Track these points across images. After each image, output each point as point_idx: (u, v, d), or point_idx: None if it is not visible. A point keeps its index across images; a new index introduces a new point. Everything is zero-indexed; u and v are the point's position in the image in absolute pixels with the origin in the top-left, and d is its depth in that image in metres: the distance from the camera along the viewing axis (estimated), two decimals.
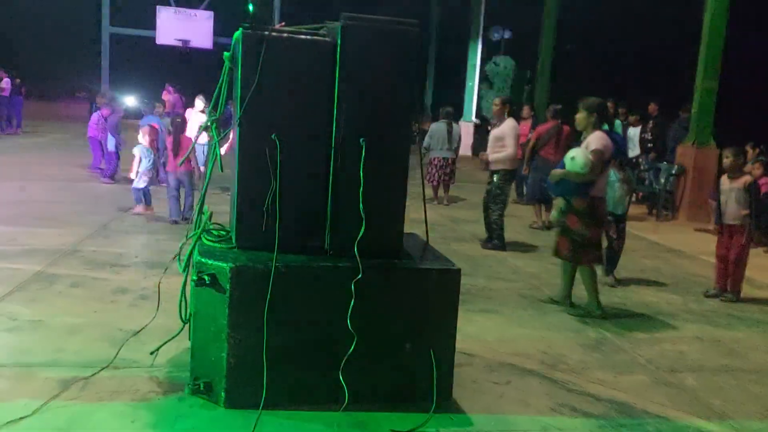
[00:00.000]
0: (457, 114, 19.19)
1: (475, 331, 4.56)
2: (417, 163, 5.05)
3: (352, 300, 3.19)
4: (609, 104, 9.25)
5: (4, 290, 4.75)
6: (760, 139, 10.84)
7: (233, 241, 3.45)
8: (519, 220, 9.05)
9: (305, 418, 3.18)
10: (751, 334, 5.01)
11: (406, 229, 3.82)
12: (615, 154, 5.12)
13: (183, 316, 3.61)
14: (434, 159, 10.48)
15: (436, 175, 10.46)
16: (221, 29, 17.58)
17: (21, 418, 2.98)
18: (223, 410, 3.19)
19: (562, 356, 4.26)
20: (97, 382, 3.40)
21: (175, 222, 7.44)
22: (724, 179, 5.93)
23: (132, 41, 20.39)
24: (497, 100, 7.53)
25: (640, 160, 11.25)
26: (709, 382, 4.01)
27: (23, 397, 3.18)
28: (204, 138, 8.92)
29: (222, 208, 4.30)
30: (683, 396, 3.79)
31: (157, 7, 17.44)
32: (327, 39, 3.44)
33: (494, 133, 7.34)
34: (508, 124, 7.33)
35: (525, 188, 10.38)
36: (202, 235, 3.58)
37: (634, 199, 11.04)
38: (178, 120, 7.96)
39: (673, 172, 10.31)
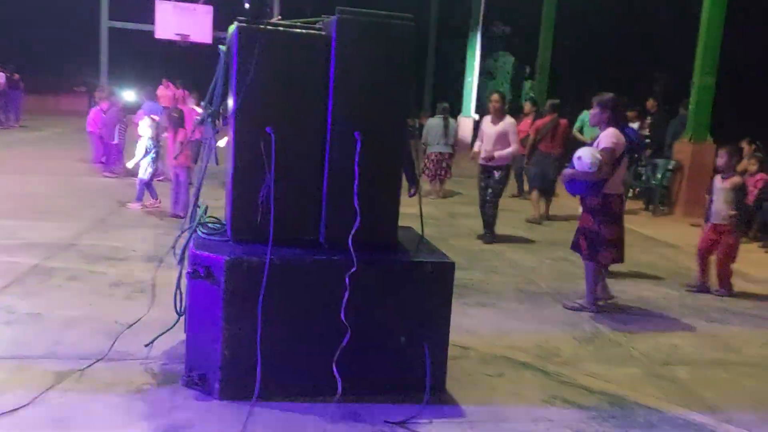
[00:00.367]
0: (457, 109, 19.24)
1: (471, 325, 4.58)
2: (415, 157, 5.08)
3: (346, 293, 3.21)
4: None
5: (2, 283, 4.77)
6: (757, 135, 10.87)
7: (228, 234, 3.47)
8: (516, 215, 9.08)
9: (299, 409, 3.20)
10: (744, 328, 5.03)
11: (404, 223, 3.85)
12: (628, 150, 5.00)
13: (178, 308, 3.64)
14: (431, 153, 10.62)
15: (433, 169, 10.56)
16: (221, 24, 17.56)
17: (16, 409, 3.01)
18: (217, 402, 3.22)
19: (556, 349, 4.29)
20: (92, 374, 3.43)
21: (177, 215, 7.45)
22: (717, 178, 5.95)
23: (131, 35, 20.35)
24: (497, 96, 7.54)
25: (636, 155, 11.23)
26: (701, 376, 4.03)
27: (19, 389, 3.20)
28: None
29: (222, 202, 4.31)
30: (675, 389, 3.82)
31: (156, 1, 17.41)
32: (322, 33, 3.45)
33: (496, 129, 7.35)
34: (509, 121, 7.43)
35: (525, 182, 10.42)
36: (197, 228, 3.60)
37: (630, 194, 11.10)
38: (176, 115, 7.95)
39: (670, 167, 10.33)
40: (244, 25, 3.31)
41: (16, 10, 21.65)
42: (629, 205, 10.55)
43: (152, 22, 17.72)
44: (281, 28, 3.40)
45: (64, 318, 4.20)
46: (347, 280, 3.22)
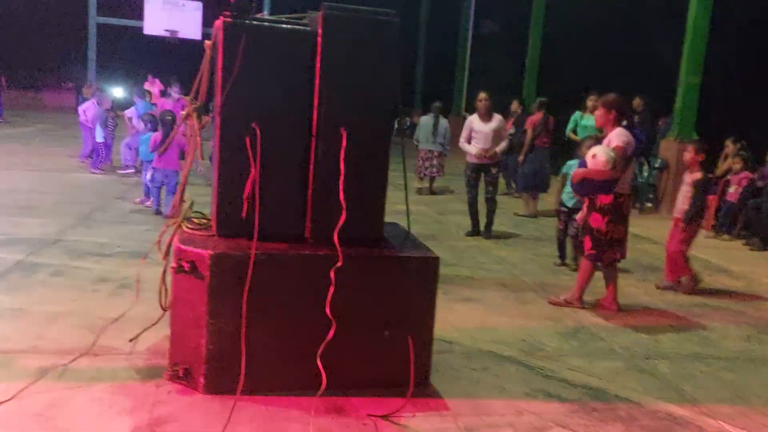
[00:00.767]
0: (449, 107, 19.29)
1: (456, 320, 4.61)
2: (407, 155, 5.11)
3: (331, 287, 3.23)
4: (593, 98, 9.45)
5: None
6: (742, 134, 10.97)
7: (213, 228, 3.48)
8: (502, 211, 9.11)
9: (283, 403, 3.22)
10: (725, 323, 5.10)
11: (394, 219, 3.87)
12: (636, 149, 5.03)
13: (163, 303, 3.64)
14: (421, 151, 10.76)
15: (422, 166, 10.65)
16: (210, 20, 17.47)
17: None
18: (201, 396, 3.22)
19: (540, 344, 4.32)
20: (75, 369, 3.42)
21: (159, 212, 7.43)
22: (686, 174, 5.99)
23: (119, 31, 20.23)
24: (485, 95, 7.62)
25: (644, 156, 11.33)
26: (681, 369, 4.08)
27: (1, 383, 3.19)
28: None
29: (207, 199, 4.31)
30: (656, 382, 3.86)
31: None
32: (308, 29, 3.46)
33: (490, 127, 7.46)
34: (499, 118, 7.63)
35: (516, 179, 10.52)
36: (182, 223, 3.60)
37: None
38: (169, 117, 7.88)
39: (656, 165, 10.41)
40: (230, 20, 3.31)
41: (2, 4, 21.44)
42: None
43: (141, 18, 17.64)
44: (266, 24, 3.41)
45: (48, 313, 4.19)
46: (332, 274, 3.23)
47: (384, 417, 3.16)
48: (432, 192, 10.72)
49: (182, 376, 3.32)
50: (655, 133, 11.19)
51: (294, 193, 3.46)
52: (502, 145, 7.50)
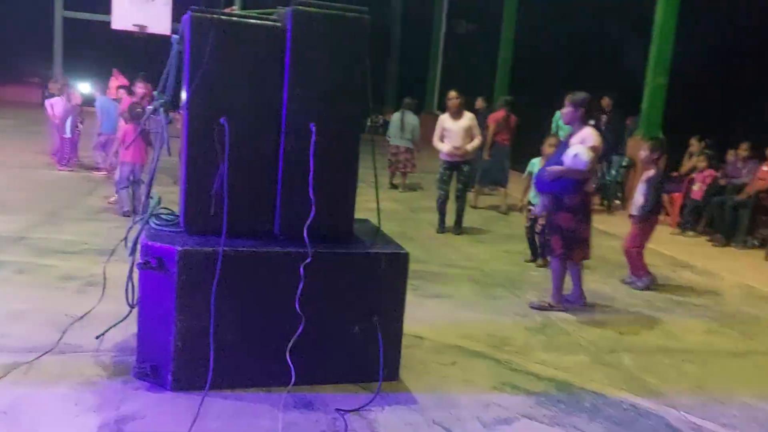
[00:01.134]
0: (422, 104, 19.37)
1: (426, 315, 4.65)
2: (380, 152, 5.13)
3: (301, 283, 3.24)
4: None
5: None
6: (707, 133, 11.22)
7: (181, 225, 3.46)
8: (473, 209, 9.21)
9: (252, 399, 3.22)
10: (687, 317, 5.23)
11: (366, 216, 3.89)
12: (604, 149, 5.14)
13: (130, 300, 3.60)
14: (391, 147, 10.95)
15: (391, 162, 10.93)
16: (180, 15, 17.21)
17: None
18: (169, 393, 3.21)
19: (508, 338, 4.39)
20: (40, 367, 3.38)
21: (126, 214, 7.31)
22: (644, 171, 6.10)
23: (86, 26, 19.87)
24: (455, 93, 7.73)
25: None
26: (645, 362, 4.18)
27: None
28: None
29: (175, 196, 4.28)
30: (620, 374, 3.95)
31: None
32: (277, 24, 3.46)
33: (461, 125, 7.55)
34: (470, 116, 7.71)
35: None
36: (150, 219, 3.58)
37: None
38: (139, 110, 7.76)
39: (624, 164, 10.60)
40: (197, 15, 3.30)
41: None
42: None
43: (109, 13, 17.34)
44: (235, 19, 3.40)
45: (12, 311, 4.12)
46: (301, 270, 3.24)
47: (353, 411, 3.18)
48: (404, 188, 10.78)
49: (150, 373, 3.30)
50: (623, 132, 11.40)
51: (263, 189, 3.46)
52: (474, 143, 7.61)
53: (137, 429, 2.91)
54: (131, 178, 7.37)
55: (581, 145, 4.87)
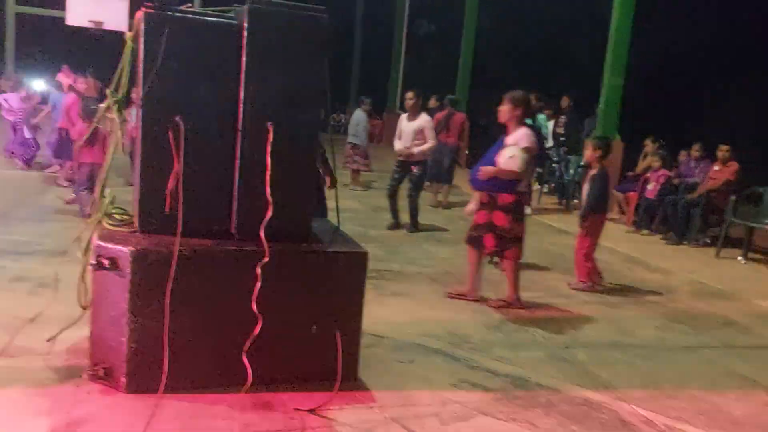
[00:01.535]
0: (384, 104, 19.45)
1: (386, 314, 4.67)
2: (340, 151, 5.13)
3: (258, 283, 3.22)
4: (532, 97, 9.79)
5: None
6: (662, 133, 11.53)
7: (135, 224, 3.40)
8: (434, 209, 9.29)
9: (208, 400, 3.18)
10: (640, 313, 5.37)
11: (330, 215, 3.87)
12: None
13: (83, 302, 3.53)
14: (346, 145, 11.30)
15: (345, 159, 11.23)
16: (137, 11, 16.88)
17: None
18: (123, 395, 3.15)
19: (466, 336, 4.44)
20: None
21: (88, 215, 7.12)
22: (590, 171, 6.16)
23: (39, 22, 19.33)
24: (411, 94, 7.83)
25: (550, 152, 11.74)
26: (599, 357, 4.28)
27: None
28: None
29: (128, 197, 4.21)
30: (575, 370, 4.04)
31: None
32: (233, 21, 3.43)
33: (413, 126, 7.65)
34: (425, 118, 7.81)
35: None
36: (102, 219, 3.51)
37: (545, 189, 11.56)
38: (94, 107, 7.57)
39: (582, 164, 10.78)
40: (152, 11, 3.25)
41: None
42: (544, 199, 11.01)
43: (63, 8, 16.89)
44: (190, 16, 3.35)
45: None
46: (259, 270, 3.22)
47: (311, 411, 3.18)
48: (355, 185, 10.86)
49: (103, 375, 3.23)
50: (580, 132, 11.63)
51: (219, 188, 3.42)
52: (424, 146, 7.64)
53: None
54: (92, 178, 7.20)
55: (515, 146, 4.91)
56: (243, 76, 3.35)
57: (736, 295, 6.13)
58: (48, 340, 3.57)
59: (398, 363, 3.89)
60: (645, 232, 8.95)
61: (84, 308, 3.51)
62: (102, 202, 3.60)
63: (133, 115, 7.83)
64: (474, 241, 5.16)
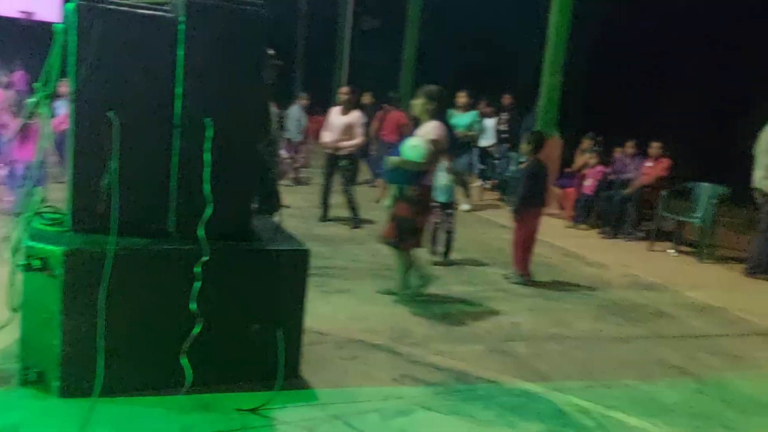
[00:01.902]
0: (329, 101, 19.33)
1: (329, 311, 4.67)
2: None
3: (197, 282, 3.17)
4: (462, 95, 10.00)
5: None
6: (600, 130, 11.90)
7: (68, 224, 3.29)
8: (379, 204, 9.31)
9: (146, 403, 3.12)
10: (577, 305, 5.53)
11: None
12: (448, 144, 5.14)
13: (12, 305, 3.39)
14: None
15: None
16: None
17: None
18: (56, 400, 3.05)
19: (408, 331, 4.48)
20: None
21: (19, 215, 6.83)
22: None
23: None
24: (346, 89, 8.00)
25: (492, 149, 11.98)
26: (537, 349, 4.40)
27: None
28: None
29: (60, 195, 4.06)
30: (514, 362, 4.14)
31: None
32: (170, 14, 3.36)
33: (344, 121, 7.80)
34: (357, 114, 7.93)
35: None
36: (33, 219, 3.38)
37: (488, 186, 11.77)
38: (24, 102, 7.25)
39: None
40: (84, 3, 3.14)
41: None
42: (487, 195, 11.20)
43: None
44: (124, 8, 3.26)
45: None
46: (198, 269, 3.17)
47: (252, 410, 3.15)
48: (292, 181, 10.85)
49: (35, 380, 3.12)
50: (520, 129, 11.89)
51: (156, 185, 3.35)
52: (353, 142, 7.78)
53: None
54: (25, 176, 6.91)
55: (420, 137, 4.96)
56: (180, 70, 3.28)
57: (667, 287, 6.40)
58: None
59: (341, 360, 3.90)
60: (583, 226, 9.21)
61: (14, 311, 3.37)
62: (32, 200, 3.47)
63: (60, 108, 7.56)
64: (389, 234, 5.10)
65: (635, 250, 8.13)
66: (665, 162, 8.80)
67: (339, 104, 7.94)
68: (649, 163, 8.99)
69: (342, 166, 7.87)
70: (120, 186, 3.20)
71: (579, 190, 9.52)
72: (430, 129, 5.01)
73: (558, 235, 8.26)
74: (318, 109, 13.54)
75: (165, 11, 3.39)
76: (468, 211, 9.52)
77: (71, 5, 3.17)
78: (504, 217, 9.47)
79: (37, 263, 3.05)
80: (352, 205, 7.87)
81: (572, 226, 9.23)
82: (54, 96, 3.41)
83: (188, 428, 2.96)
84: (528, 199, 6.01)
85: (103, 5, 3.16)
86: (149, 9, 3.37)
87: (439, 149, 4.98)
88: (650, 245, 8.14)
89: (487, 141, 12.14)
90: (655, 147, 8.90)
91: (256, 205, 4.34)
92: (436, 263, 6.34)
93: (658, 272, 6.92)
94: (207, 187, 3.26)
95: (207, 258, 3.18)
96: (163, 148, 3.33)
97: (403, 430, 3.16)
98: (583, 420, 3.45)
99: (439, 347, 4.24)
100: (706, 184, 8.07)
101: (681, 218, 8.16)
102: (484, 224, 9.00)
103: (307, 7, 23.42)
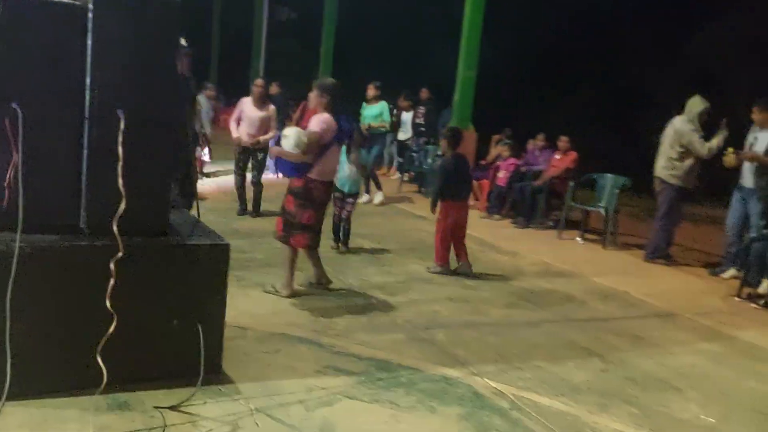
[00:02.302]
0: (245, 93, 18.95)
1: (250, 306, 4.64)
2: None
3: (112, 279, 3.07)
4: (372, 87, 10.16)
5: None
6: (510, 124, 12.33)
7: None
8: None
9: (59, 405, 3.01)
10: (492, 293, 5.75)
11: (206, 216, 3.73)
12: (339, 137, 5.07)
13: None
14: None
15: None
16: None
17: None
18: None
19: (331, 323, 4.52)
20: None
21: None
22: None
23: None
24: (261, 81, 8.04)
25: (410, 142, 12.19)
26: (455, 336, 4.55)
27: None
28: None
29: None
30: (433, 349, 4.26)
31: None
32: (77, 3, 3.23)
33: (260, 115, 7.85)
34: (272, 108, 8.03)
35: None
36: None
37: (406, 178, 11.96)
38: None
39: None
40: None
41: None
42: (405, 187, 11.37)
43: None
44: None
45: None
46: (112, 266, 3.08)
47: (172, 408, 3.11)
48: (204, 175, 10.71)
49: None
50: (437, 123, 12.15)
51: (66, 180, 3.23)
52: (268, 135, 7.87)
53: None
54: None
55: (297, 128, 4.92)
56: (89, 60, 3.17)
57: (575, 273, 6.74)
58: None
59: (263, 354, 3.89)
60: (497, 217, 9.53)
61: None
62: None
63: None
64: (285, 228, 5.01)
65: (546, 238, 8.50)
66: (572, 155, 9.25)
67: (252, 96, 7.92)
68: (557, 156, 9.41)
69: (258, 159, 7.95)
70: (26, 181, 3.06)
71: (493, 182, 9.83)
72: (314, 121, 4.94)
73: (473, 226, 8.44)
74: (221, 98, 13.39)
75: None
76: (380, 203, 9.65)
77: None
78: (421, 208, 9.66)
79: None
80: (258, 197, 7.99)
81: (486, 217, 9.53)
82: None
83: (104, 429, 2.88)
84: (444, 193, 6.18)
85: None
86: None
87: (319, 141, 4.79)
88: (559, 234, 8.53)
89: (404, 134, 12.37)
90: (563, 141, 9.34)
91: (174, 199, 4.24)
92: (337, 252, 6.49)
93: (566, 259, 7.27)
94: (120, 181, 3.17)
95: (121, 254, 3.09)
96: (73, 140, 3.21)
97: (327, 421, 3.20)
98: (499, 402, 3.61)
99: (361, 337, 4.31)
100: (610, 175, 8.54)
101: (587, 207, 8.61)
102: (402, 215, 9.15)
103: None
